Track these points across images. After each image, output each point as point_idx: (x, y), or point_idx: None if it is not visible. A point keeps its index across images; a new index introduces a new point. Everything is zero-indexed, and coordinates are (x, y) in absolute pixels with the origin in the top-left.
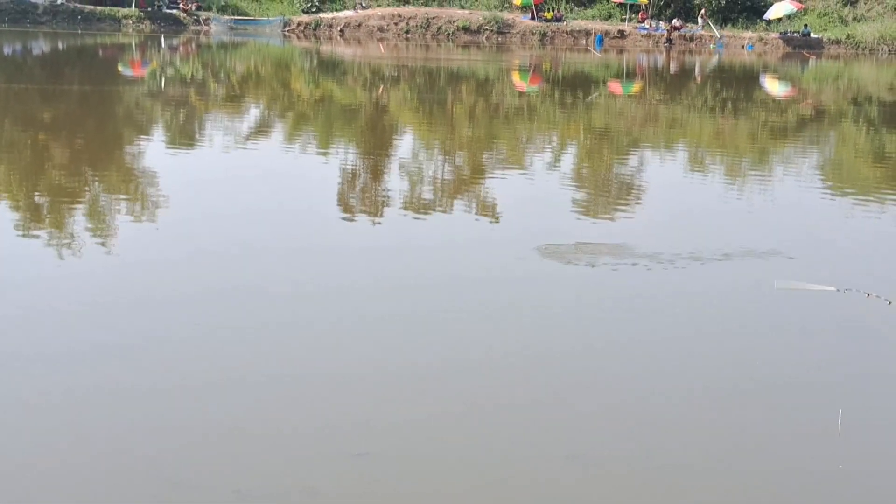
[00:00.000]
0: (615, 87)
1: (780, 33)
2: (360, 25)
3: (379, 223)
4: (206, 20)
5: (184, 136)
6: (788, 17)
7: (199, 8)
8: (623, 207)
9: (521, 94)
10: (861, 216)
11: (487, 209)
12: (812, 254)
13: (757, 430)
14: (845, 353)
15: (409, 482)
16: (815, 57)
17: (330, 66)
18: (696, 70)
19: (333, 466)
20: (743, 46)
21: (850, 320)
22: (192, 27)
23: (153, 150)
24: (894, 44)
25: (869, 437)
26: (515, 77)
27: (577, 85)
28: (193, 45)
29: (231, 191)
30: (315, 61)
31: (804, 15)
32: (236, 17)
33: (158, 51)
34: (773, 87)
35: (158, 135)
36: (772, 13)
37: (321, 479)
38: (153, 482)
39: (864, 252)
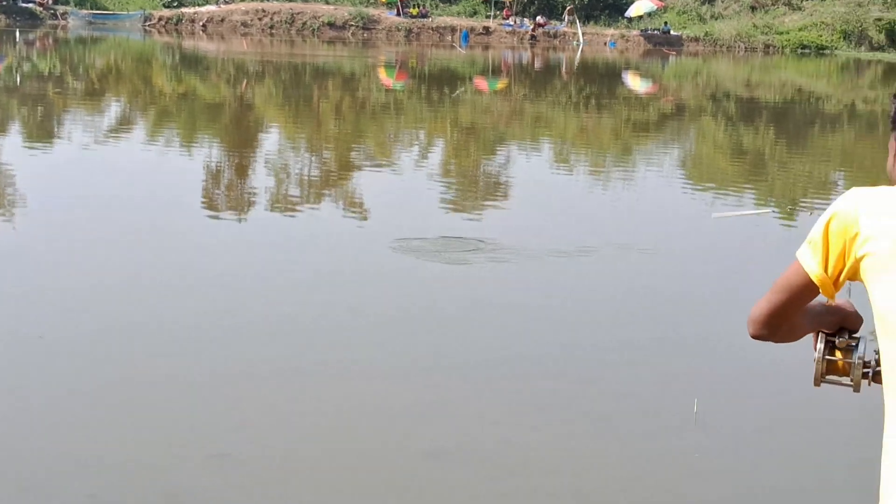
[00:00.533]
0: (481, 83)
1: (641, 31)
2: (222, 21)
3: (244, 220)
4: (64, 14)
5: (41, 132)
6: (649, 14)
7: (55, 2)
8: (489, 203)
9: (387, 90)
10: (720, 207)
11: (354, 205)
12: (673, 247)
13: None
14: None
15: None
16: (675, 54)
17: (192, 62)
18: (561, 67)
19: (190, 468)
20: (605, 43)
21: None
22: (49, 21)
23: (7, 147)
24: (750, 41)
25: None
26: (382, 73)
27: (443, 81)
28: (50, 40)
29: (90, 188)
30: (177, 57)
31: (664, 13)
32: (95, 12)
33: (14, 45)
34: (635, 83)
35: (14, 131)
36: (633, 10)
37: (177, 482)
38: None
39: (724, 243)
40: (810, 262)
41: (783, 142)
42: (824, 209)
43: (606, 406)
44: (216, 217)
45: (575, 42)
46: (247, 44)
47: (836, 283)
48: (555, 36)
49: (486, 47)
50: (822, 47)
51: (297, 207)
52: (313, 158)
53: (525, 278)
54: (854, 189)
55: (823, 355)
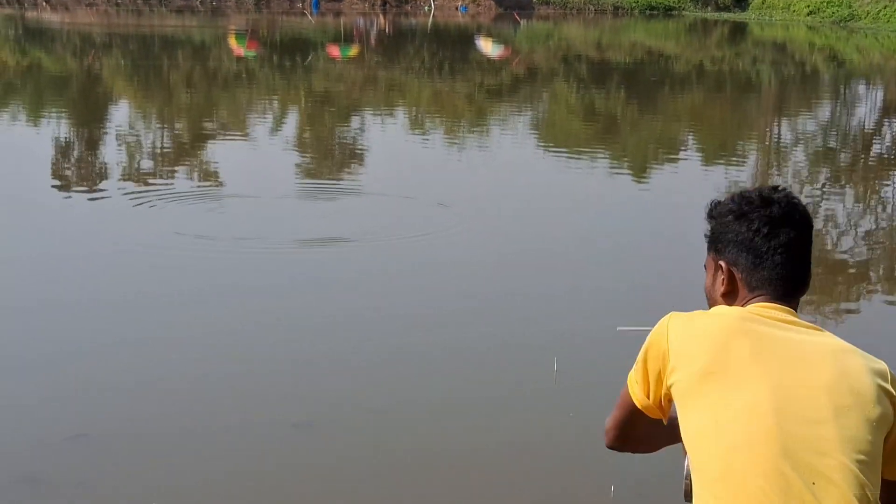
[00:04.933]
0: (333, 50)
1: None
2: None
3: (95, 194)
4: None
5: None
6: None
7: None
8: (349, 166)
9: (238, 59)
10: (575, 170)
11: (209, 175)
12: (525, 208)
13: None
14: None
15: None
16: (526, 18)
17: (37, 34)
18: (413, 32)
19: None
20: (457, 8)
21: None
22: None
23: None
24: (599, 3)
25: None
26: (232, 42)
27: (295, 49)
28: None
29: None
30: (20, 29)
31: None
32: None
33: None
34: (488, 48)
35: None
36: None
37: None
38: None
39: (578, 206)
40: (635, 388)
41: (634, 103)
42: (672, 167)
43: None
44: (67, 192)
45: (426, 7)
46: (93, 15)
47: (662, 407)
48: (406, 1)
49: (338, 14)
50: (670, 8)
51: (149, 180)
52: (165, 130)
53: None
54: (671, 315)
55: (688, 473)
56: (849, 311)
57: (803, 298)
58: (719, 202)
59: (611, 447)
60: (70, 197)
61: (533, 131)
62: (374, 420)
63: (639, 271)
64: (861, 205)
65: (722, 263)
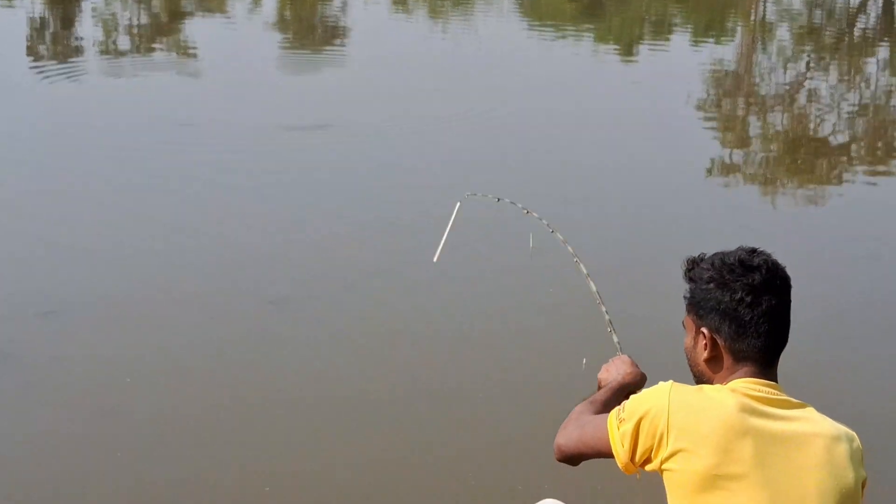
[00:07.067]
0: None
1: None
2: None
3: (73, 71)
4: None
5: None
6: None
7: None
8: (331, 48)
9: None
10: (560, 46)
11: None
12: (506, 85)
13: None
14: None
15: None
16: None
17: None
18: None
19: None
20: None
21: None
22: None
23: None
24: None
25: None
26: None
27: None
28: None
29: None
30: None
31: None
32: None
33: None
34: None
35: None
36: None
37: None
38: None
39: (557, 73)
40: (619, 449)
41: None
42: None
43: None
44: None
45: None
46: None
47: (641, 467)
48: None
49: None
50: None
51: (126, 55)
52: (141, 6)
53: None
54: (671, 388)
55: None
56: (834, 193)
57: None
58: (697, 262)
59: (561, 461)
60: (44, 73)
61: (516, 7)
62: (347, 296)
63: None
64: (845, 83)
65: (704, 330)
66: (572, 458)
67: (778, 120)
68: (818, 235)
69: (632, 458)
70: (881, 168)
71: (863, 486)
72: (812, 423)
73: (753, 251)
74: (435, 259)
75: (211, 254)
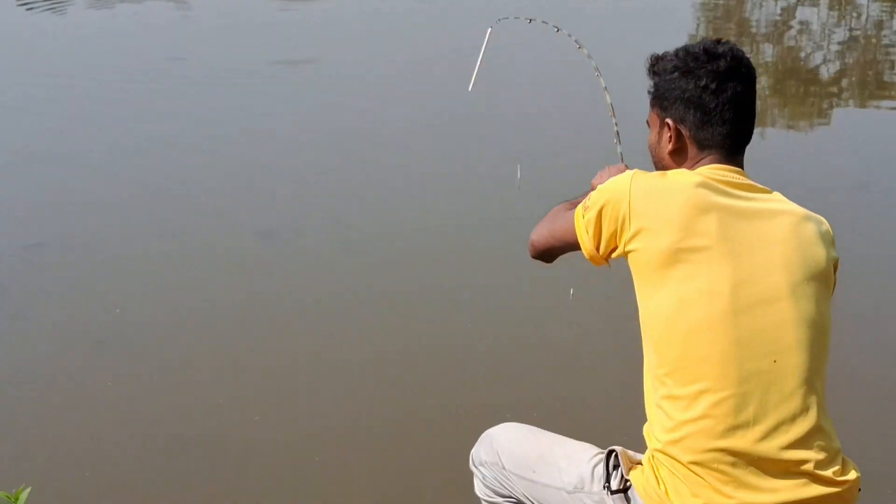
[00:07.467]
0: None
1: None
2: None
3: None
4: None
5: None
6: None
7: None
8: None
9: None
10: None
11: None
12: None
13: None
14: None
15: None
16: None
17: None
18: None
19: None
20: None
21: None
22: None
23: None
24: None
25: None
26: None
27: None
28: None
29: None
30: None
31: None
32: None
33: None
34: None
35: None
36: None
37: None
38: None
39: None
40: (584, 237)
41: None
42: None
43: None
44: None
45: None
46: None
47: (608, 258)
48: None
49: None
50: None
51: None
52: None
53: None
54: (634, 174)
55: None
56: (820, 123)
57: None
58: (661, 57)
59: (535, 258)
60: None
61: None
62: (337, 227)
63: None
64: (835, 13)
65: (669, 121)
66: (544, 254)
67: (769, 52)
68: (807, 166)
69: (597, 247)
70: (871, 100)
71: (835, 269)
72: (779, 203)
73: (718, 41)
74: (469, 88)
75: (199, 187)
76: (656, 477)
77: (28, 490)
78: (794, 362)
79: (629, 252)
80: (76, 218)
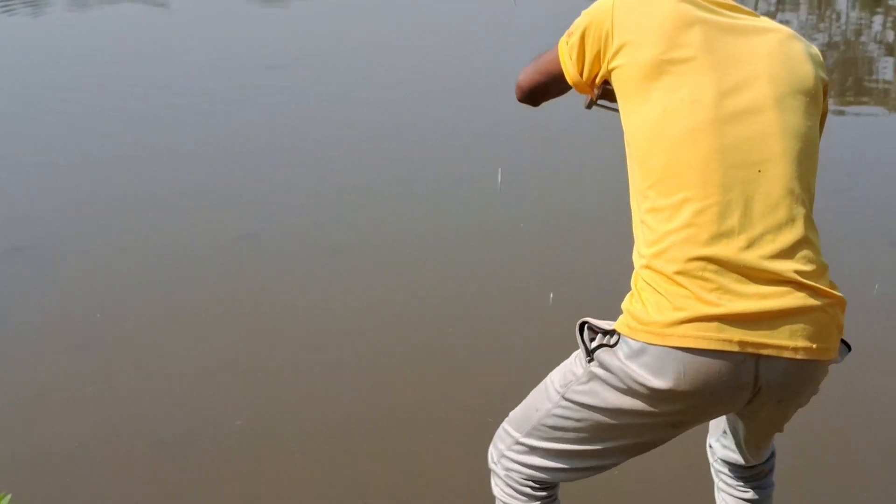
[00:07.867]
0: None
1: None
2: None
3: None
4: None
5: None
6: None
7: None
8: None
9: None
10: None
11: None
12: None
13: None
14: None
15: None
16: None
17: None
18: None
19: None
20: None
21: None
22: None
23: None
24: None
25: None
26: None
27: None
28: None
29: None
30: None
31: None
32: None
33: None
34: None
35: None
36: None
37: None
38: None
39: None
40: (568, 64)
41: None
42: None
43: None
44: None
45: None
46: None
47: (593, 84)
48: None
49: None
50: None
51: None
52: None
53: None
54: None
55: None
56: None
57: None
58: None
59: (521, 102)
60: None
61: None
62: (314, 227)
63: None
64: (814, 17)
65: None
66: (530, 94)
67: None
68: None
69: (580, 72)
70: (852, 103)
71: (825, 93)
72: (767, 23)
73: None
74: (513, 3)
75: (178, 189)
76: (642, 302)
77: (8, 497)
78: (779, 172)
79: (613, 69)
80: (53, 223)
